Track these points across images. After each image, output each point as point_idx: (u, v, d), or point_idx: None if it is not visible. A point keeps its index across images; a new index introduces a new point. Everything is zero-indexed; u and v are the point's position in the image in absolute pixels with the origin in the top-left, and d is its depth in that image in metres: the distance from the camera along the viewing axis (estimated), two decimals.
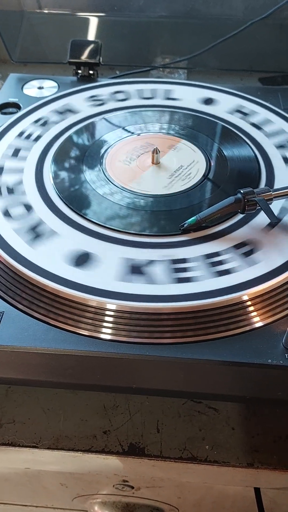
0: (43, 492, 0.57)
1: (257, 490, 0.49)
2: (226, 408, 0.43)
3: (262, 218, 0.45)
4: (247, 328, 0.38)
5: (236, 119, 0.59)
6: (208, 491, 0.53)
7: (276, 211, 0.45)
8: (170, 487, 0.52)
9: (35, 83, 0.66)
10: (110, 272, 0.41)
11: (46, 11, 0.85)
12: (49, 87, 0.66)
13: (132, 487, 0.52)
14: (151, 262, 0.42)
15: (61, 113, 0.60)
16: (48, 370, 0.38)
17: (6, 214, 0.46)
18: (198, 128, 0.57)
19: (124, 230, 0.44)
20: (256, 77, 0.84)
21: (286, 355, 0.36)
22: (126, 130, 0.57)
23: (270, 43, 0.84)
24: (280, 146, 0.54)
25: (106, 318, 0.38)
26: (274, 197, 0.44)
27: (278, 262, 0.41)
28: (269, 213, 0.42)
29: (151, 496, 0.54)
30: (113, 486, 0.52)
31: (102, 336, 0.38)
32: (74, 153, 0.54)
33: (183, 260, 0.42)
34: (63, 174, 0.51)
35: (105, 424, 0.42)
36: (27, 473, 0.52)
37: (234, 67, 0.84)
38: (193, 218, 0.44)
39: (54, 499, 0.59)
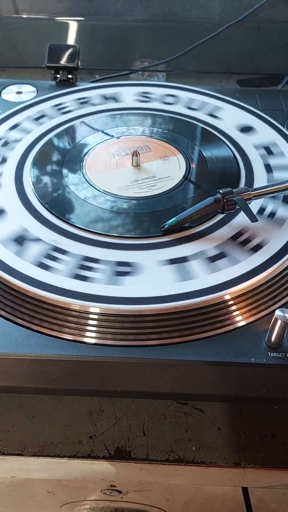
0: (30, 500, 0.56)
1: (244, 490, 0.49)
2: (212, 409, 0.43)
3: (242, 218, 0.45)
4: (230, 327, 0.38)
5: (215, 121, 0.59)
6: (196, 492, 0.52)
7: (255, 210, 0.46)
8: (158, 490, 0.52)
9: (14, 88, 0.66)
10: (98, 276, 0.40)
11: (23, 16, 0.85)
12: (27, 91, 0.65)
13: (120, 492, 0.52)
14: (132, 263, 0.41)
15: (39, 118, 0.59)
16: (31, 376, 0.38)
17: None
18: (178, 131, 0.57)
19: (104, 233, 0.44)
20: (235, 79, 0.84)
21: (269, 353, 0.36)
22: (106, 133, 0.57)
23: (248, 46, 0.85)
24: (260, 147, 0.55)
25: (90, 322, 0.38)
26: (253, 197, 0.45)
27: (259, 260, 0.41)
28: (248, 212, 0.43)
29: (139, 500, 0.54)
30: (101, 491, 0.52)
31: (86, 340, 0.37)
32: (54, 157, 0.54)
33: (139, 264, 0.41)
34: (42, 178, 0.51)
35: (90, 429, 0.42)
36: (13, 482, 0.52)
37: (213, 69, 0.85)
38: (173, 219, 0.44)
39: (42, 507, 0.59)
